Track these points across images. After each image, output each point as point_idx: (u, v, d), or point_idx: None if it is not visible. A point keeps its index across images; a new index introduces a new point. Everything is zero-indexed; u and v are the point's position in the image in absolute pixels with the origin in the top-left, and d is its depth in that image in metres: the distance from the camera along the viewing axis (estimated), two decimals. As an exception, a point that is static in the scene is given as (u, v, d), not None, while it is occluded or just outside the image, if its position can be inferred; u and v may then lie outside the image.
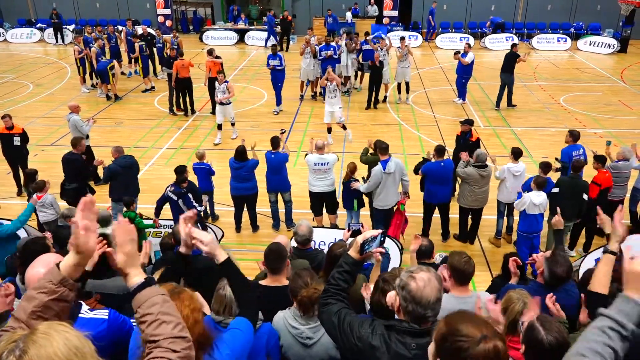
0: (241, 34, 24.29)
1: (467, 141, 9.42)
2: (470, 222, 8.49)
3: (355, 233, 5.04)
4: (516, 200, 7.56)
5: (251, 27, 24.72)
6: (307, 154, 8.36)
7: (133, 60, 17.69)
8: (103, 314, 2.51)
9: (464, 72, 14.82)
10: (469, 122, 9.69)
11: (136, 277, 1.83)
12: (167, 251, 5.10)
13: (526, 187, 7.66)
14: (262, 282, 4.01)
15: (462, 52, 14.68)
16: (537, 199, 7.23)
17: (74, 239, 1.80)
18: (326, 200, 8.46)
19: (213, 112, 14.21)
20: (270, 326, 3.33)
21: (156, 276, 3.43)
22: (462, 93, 15.23)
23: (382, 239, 2.65)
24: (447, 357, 1.73)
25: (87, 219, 1.80)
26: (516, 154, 8.16)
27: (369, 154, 8.34)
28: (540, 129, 13.35)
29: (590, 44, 22.44)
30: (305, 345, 3.33)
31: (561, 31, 23.58)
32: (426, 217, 8.47)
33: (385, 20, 24.40)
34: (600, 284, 2.63)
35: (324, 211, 8.58)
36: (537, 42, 22.90)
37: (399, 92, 15.52)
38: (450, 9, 24.59)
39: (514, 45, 15.02)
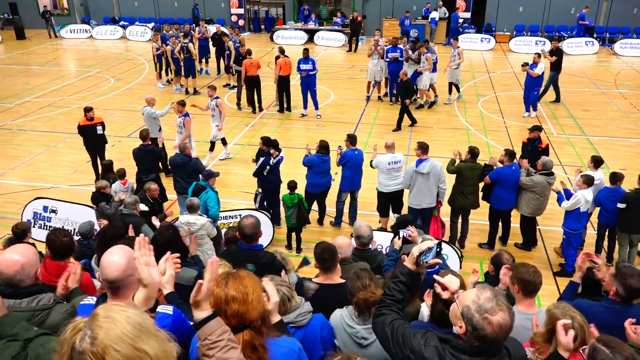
0: (311, 33, 24.55)
1: (535, 148, 9.09)
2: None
3: (407, 240, 5.00)
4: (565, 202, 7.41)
5: (321, 27, 24.93)
6: (371, 161, 8.41)
7: (205, 59, 18.38)
8: (168, 309, 2.62)
9: (535, 84, 13.87)
10: (538, 129, 9.40)
11: (205, 310, 2.06)
12: (231, 244, 5.25)
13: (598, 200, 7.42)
14: (315, 280, 4.08)
15: (530, 63, 13.69)
16: (589, 196, 7.33)
17: (139, 274, 2.10)
18: (395, 200, 8.48)
19: (281, 110, 14.53)
20: (323, 317, 3.39)
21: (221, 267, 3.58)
22: (534, 105, 14.15)
23: (439, 249, 2.62)
24: None
25: (144, 255, 2.09)
26: (597, 162, 7.88)
27: (455, 164, 8.13)
28: (619, 139, 12.62)
29: (679, 50, 20.96)
30: (361, 345, 3.35)
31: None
32: (493, 225, 8.26)
33: (459, 22, 23.89)
34: None
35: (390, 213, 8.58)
36: (620, 47, 21.64)
37: (450, 92, 15.38)
38: (527, 10, 23.65)
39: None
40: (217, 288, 2.29)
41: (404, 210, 8.50)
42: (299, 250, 8.39)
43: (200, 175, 8.00)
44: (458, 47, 14.76)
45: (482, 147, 11.71)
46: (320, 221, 8.97)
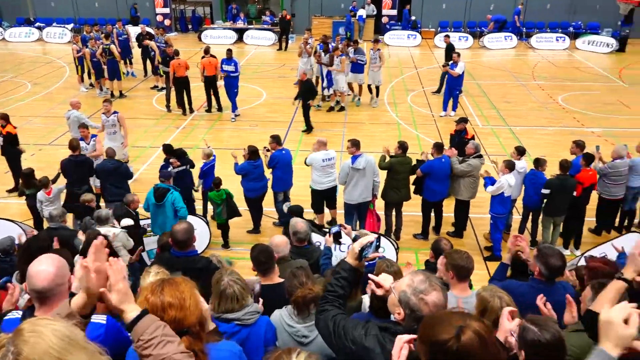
0: (240, 33, 24.27)
1: (462, 139, 9.49)
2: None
3: (337, 236, 5.06)
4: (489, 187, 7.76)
5: (250, 26, 24.70)
6: (305, 159, 8.44)
7: (128, 60, 17.75)
8: (101, 318, 2.51)
9: (455, 84, 13.91)
10: (464, 121, 9.90)
11: (132, 311, 1.95)
12: (164, 252, 5.08)
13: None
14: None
15: (451, 62, 13.81)
16: (512, 181, 7.67)
17: (85, 282, 1.96)
18: (329, 196, 8.56)
19: (209, 110, 14.28)
20: (268, 319, 3.40)
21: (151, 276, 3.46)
22: (454, 105, 14.16)
23: (378, 243, 2.67)
24: None
25: (98, 260, 1.96)
26: (520, 151, 8.27)
27: (386, 160, 8.30)
28: (539, 128, 13.36)
29: (588, 43, 22.44)
30: (302, 343, 3.34)
31: (560, 30, 23.57)
32: (426, 216, 8.53)
33: (384, 19, 24.41)
34: (601, 307, 2.56)
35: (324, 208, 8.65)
36: (536, 41, 22.91)
37: (377, 95, 15.05)
38: (450, 7, 24.55)
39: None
40: (153, 296, 2.23)
41: (339, 206, 8.60)
42: (227, 245, 8.40)
43: (160, 178, 7.66)
44: (378, 49, 14.45)
45: (413, 140, 12.06)
46: (256, 228, 8.80)
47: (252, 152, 8.35)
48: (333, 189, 8.50)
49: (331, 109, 14.53)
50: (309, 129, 12.90)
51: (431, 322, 1.74)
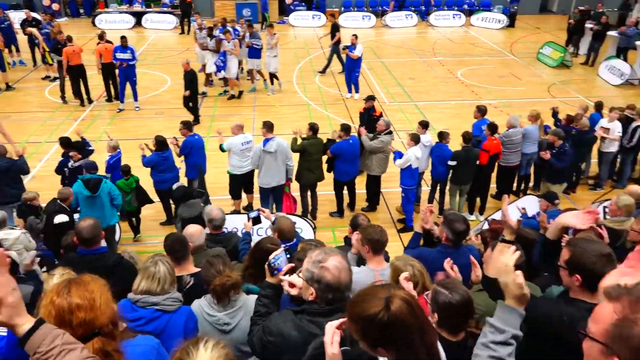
0: (138, 17, 23.07)
1: (371, 117, 9.74)
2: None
3: (256, 220, 5.03)
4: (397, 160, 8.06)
5: (148, 10, 23.54)
6: (221, 145, 8.27)
7: (14, 48, 16.34)
8: (2, 330, 2.33)
9: (354, 66, 13.79)
10: (372, 98, 10.14)
11: (25, 324, 1.77)
12: (69, 252, 4.76)
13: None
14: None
15: (349, 45, 13.59)
16: (418, 153, 8.00)
17: None
18: (247, 181, 8.50)
19: (109, 100, 13.54)
20: (190, 309, 3.33)
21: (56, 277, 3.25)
22: (356, 87, 14.13)
23: (288, 254, 2.74)
24: (373, 336, 1.72)
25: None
26: (424, 125, 8.57)
27: (298, 143, 8.30)
28: (441, 102, 13.99)
29: (482, 20, 23.69)
30: (224, 331, 3.31)
31: (456, 8, 24.67)
32: (339, 195, 8.68)
33: (288, 0, 24.24)
34: (492, 270, 2.73)
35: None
36: (435, 19, 23.82)
37: (272, 82, 14.47)
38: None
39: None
40: (59, 298, 2.08)
41: (255, 190, 8.55)
42: (138, 231, 8.19)
43: (84, 170, 7.12)
44: (274, 34, 13.98)
45: (324, 120, 12.18)
46: (169, 220, 8.47)
47: (160, 143, 8.04)
48: (252, 173, 8.44)
49: (232, 96, 13.95)
50: (195, 120, 12.06)
51: (358, 300, 1.76)
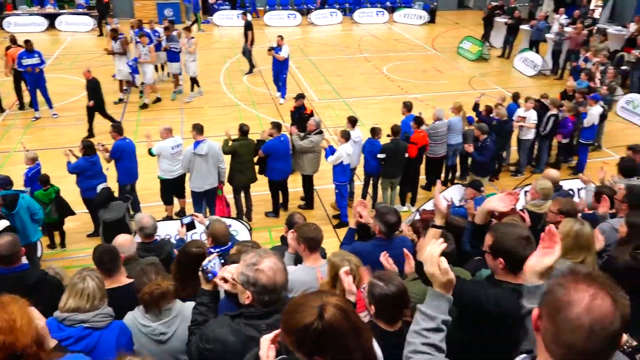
0: (51, 18, 21.85)
1: (302, 115, 9.77)
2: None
3: (190, 226, 4.92)
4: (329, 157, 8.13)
5: (62, 11, 22.34)
6: (150, 150, 8.02)
7: None
8: None
9: (282, 68, 13.47)
10: (301, 97, 10.16)
11: None
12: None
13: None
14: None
15: (275, 46, 13.32)
16: (349, 150, 8.12)
17: None
18: (179, 185, 8.29)
19: (22, 108, 12.77)
20: (122, 323, 3.21)
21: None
22: (282, 90, 13.74)
23: (222, 259, 2.73)
24: (309, 346, 1.69)
25: None
26: (353, 121, 8.69)
27: (229, 144, 8.18)
28: (369, 98, 14.26)
29: (404, 16, 24.36)
30: (160, 341, 3.22)
31: (379, 5, 25.21)
32: (274, 195, 8.65)
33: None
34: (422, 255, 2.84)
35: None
36: (359, 16, 24.21)
37: (192, 88, 13.92)
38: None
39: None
40: None
41: (187, 195, 8.36)
42: (63, 245, 7.86)
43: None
44: (192, 37, 13.43)
45: (254, 120, 12.09)
46: (97, 231, 8.09)
47: (88, 147, 7.68)
48: (183, 177, 8.23)
49: (144, 105, 13.17)
50: (91, 131, 11.29)
51: (291, 310, 1.73)
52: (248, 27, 15.42)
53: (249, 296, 2.32)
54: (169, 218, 8.06)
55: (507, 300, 2.51)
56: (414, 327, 1.88)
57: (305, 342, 1.65)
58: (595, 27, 17.40)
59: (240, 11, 23.24)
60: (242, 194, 8.49)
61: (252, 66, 15.99)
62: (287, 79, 13.88)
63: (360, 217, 4.50)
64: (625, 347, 2.20)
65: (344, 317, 1.65)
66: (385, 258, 3.70)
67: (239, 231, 7.20)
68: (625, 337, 2.20)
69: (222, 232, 4.61)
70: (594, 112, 9.99)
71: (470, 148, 8.56)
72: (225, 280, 2.54)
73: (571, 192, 7.94)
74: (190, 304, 2.97)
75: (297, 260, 4.23)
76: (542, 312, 1.48)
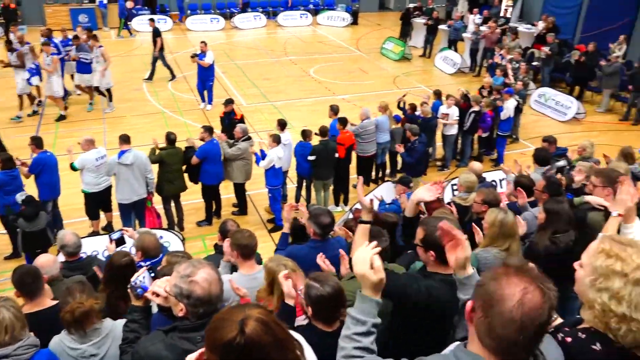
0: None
1: (232, 120, 9.64)
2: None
3: (119, 242, 4.73)
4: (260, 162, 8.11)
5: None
6: (71, 164, 7.62)
7: None
8: None
9: (207, 74, 13.10)
10: (230, 102, 10.04)
11: None
12: None
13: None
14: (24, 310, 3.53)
15: (199, 52, 12.93)
16: (280, 153, 8.11)
17: None
18: (105, 198, 7.95)
19: None
20: (49, 352, 3.02)
21: None
22: (209, 97, 13.39)
23: (152, 272, 2.62)
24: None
25: None
26: (282, 124, 8.68)
27: (156, 153, 7.91)
28: (297, 101, 14.30)
29: (328, 19, 24.66)
30: (93, 364, 3.05)
31: (302, 8, 25.36)
32: (208, 201, 8.49)
33: (129, 4, 22.98)
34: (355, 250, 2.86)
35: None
36: (283, 19, 24.25)
37: (110, 99, 13.17)
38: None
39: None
40: None
41: (114, 208, 8.03)
42: None
43: None
44: (100, 46, 12.58)
45: (181, 127, 11.81)
46: (15, 252, 7.54)
47: (7, 160, 7.20)
48: (109, 190, 7.89)
49: (61, 117, 12.42)
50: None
51: (213, 327, 1.69)
52: (156, 34, 14.90)
53: (182, 308, 2.25)
54: (95, 233, 7.70)
55: (439, 291, 2.59)
56: (345, 332, 1.88)
57: (229, 358, 1.61)
58: (508, 26, 18.38)
59: (162, 16, 22.69)
60: (173, 204, 8.26)
61: (151, 75, 15.38)
62: (214, 83, 13.58)
63: (301, 217, 4.50)
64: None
65: (266, 330, 1.62)
66: (322, 259, 3.71)
67: (171, 242, 6.99)
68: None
69: (152, 245, 4.45)
70: (509, 105, 10.56)
71: (400, 148, 8.77)
72: (157, 295, 2.45)
73: (494, 183, 8.34)
74: (122, 322, 2.84)
75: (234, 268, 4.16)
76: (475, 305, 1.54)
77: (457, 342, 1.74)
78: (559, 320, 2.29)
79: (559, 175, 6.16)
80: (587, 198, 4.64)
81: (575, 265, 2.04)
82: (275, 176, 8.19)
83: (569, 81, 14.93)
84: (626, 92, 13.55)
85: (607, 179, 4.31)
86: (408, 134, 8.88)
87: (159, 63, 15.19)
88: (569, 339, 1.94)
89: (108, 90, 13.03)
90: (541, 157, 6.83)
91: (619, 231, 3.18)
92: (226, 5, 24.60)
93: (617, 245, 1.89)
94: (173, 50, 19.18)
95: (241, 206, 8.87)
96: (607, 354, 1.86)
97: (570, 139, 11.10)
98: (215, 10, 24.38)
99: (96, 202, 7.91)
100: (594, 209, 4.46)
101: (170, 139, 7.95)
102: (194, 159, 8.01)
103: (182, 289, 2.23)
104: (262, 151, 8.25)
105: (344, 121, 8.78)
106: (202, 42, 13.18)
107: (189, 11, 23.68)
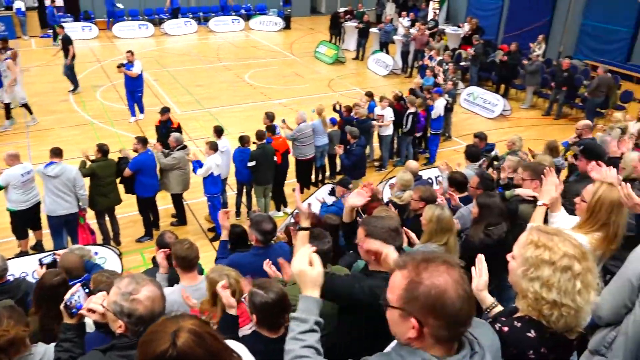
0: None
1: (169, 129, 9.39)
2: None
3: (51, 266, 4.49)
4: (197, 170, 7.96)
5: None
6: None
7: None
8: None
9: (136, 85, 12.51)
10: (166, 110, 9.82)
11: None
12: None
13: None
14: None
15: (126, 62, 12.27)
16: (218, 161, 7.99)
17: None
18: (32, 215, 7.48)
19: None
20: None
21: None
22: (140, 108, 12.88)
23: (86, 289, 2.51)
24: None
25: None
26: (218, 131, 8.57)
27: (87, 166, 7.55)
28: (233, 107, 14.14)
29: (260, 23, 24.56)
30: (25, 393, 2.87)
31: (233, 13, 25.12)
32: (145, 214, 8.22)
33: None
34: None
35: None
36: (214, 24, 23.91)
37: (30, 112, 12.36)
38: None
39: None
40: None
41: (44, 225, 7.62)
42: None
43: None
44: (5, 59, 11.55)
45: (113, 138, 11.38)
46: None
47: None
48: (38, 206, 7.46)
49: None
50: None
51: (147, 339, 1.65)
52: (67, 41, 14.20)
53: (121, 325, 2.16)
54: (24, 253, 7.27)
55: (382, 289, 2.62)
56: (290, 335, 1.89)
57: None
58: (437, 29, 19.04)
59: (87, 23, 21.81)
60: (107, 218, 7.94)
61: (75, 85, 14.73)
62: (143, 93, 12.99)
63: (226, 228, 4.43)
64: (487, 311, 2.41)
65: (198, 342, 1.60)
66: (268, 265, 3.69)
67: (107, 258, 6.73)
68: (489, 300, 2.42)
69: (74, 265, 4.26)
70: (439, 104, 10.92)
71: (340, 150, 8.85)
72: (93, 311, 2.34)
73: (430, 181, 8.59)
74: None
75: (173, 279, 4.05)
76: (419, 318, 1.57)
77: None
78: (499, 308, 2.39)
79: (490, 170, 6.43)
80: (517, 191, 4.89)
81: (508, 257, 2.13)
82: (213, 184, 8.05)
83: (495, 80, 15.65)
84: (547, 89, 14.37)
85: (534, 172, 4.54)
86: (348, 137, 8.99)
87: (61, 71, 14.45)
88: (505, 329, 2.02)
89: (24, 105, 12.17)
90: (472, 153, 7.11)
91: (546, 220, 3.36)
92: (154, 11, 23.97)
93: (545, 236, 1.99)
94: (100, 59, 18.51)
95: (180, 216, 8.66)
96: (541, 340, 1.96)
97: (499, 135, 11.63)
98: (144, 17, 23.70)
99: (23, 220, 7.46)
100: (525, 201, 4.69)
101: (103, 150, 7.62)
102: (127, 171, 7.72)
103: (122, 307, 2.15)
104: (198, 161, 8.07)
105: (272, 128, 8.77)
106: (128, 51, 12.59)
107: (112, 19, 22.78)
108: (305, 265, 1.91)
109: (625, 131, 7.72)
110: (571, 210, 3.49)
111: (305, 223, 2.80)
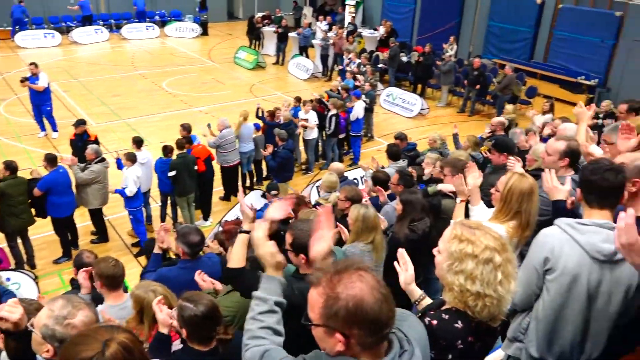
0: None
1: (86, 142, 8.88)
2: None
3: None
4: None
5: None
6: None
7: None
8: None
9: (43, 99, 11.61)
10: (82, 123, 9.28)
11: None
12: None
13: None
14: None
15: (30, 76, 11.30)
16: (138, 172, 7.74)
17: None
18: None
19: None
20: None
21: None
22: (53, 124, 12.00)
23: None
24: None
25: None
26: (137, 142, 8.25)
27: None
28: (151, 116, 13.69)
29: (176, 30, 23.91)
30: None
31: (148, 20, 24.31)
32: (62, 235, 7.76)
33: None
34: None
35: None
36: (127, 32, 23.03)
37: None
38: (25, 3, 21.97)
39: None
40: None
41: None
42: None
43: None
44: None
45: (22, 155, 10.69)
46: None
47: None
48: None
49: None
50: None
51: (76, 341, 1.57)
52: None
53: (49, 350, 2.02)
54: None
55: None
56: (250, 314, 1.90)
57: None
58: (357, 32, 19.42)
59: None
60: (19, 240, 7.41)
61: None
62: (52, 107, 12.07)
63: (162, 242, 4.28)
64: (416, 303, 2.48)
65: (127, 357, 1.54)
66: (200, 277, 3.59)
67: (22, 283, 6.28)
68: (417, 293, 2.49)
69: None
70: (357, 106, 11.14)
71: (266, 152, 8.80)
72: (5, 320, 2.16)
73: (355, 181, 8.75)
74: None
75: (96, 299, 3.84)
76: (343, 331, 1.58)
77: None
78: (428, 300, 2.46)
79: (410, 168, 6.64)
80: (439, 186, 5.08)
81: (434, 251, 2.20)
82: (134, 197, 7.74)
83: (412, 80, 16.21)
84: (461, 87, 15.09)
85: (454, 167, 4.74)
86: (277, 139, 8.95)
87: None
88: (434, 322, 2.08)
89: None
90: (392, 152, 7.33)
91: (467, 215, 3.51)
92: (61, 19, 22.70)
93: (467, 230, 2.08)
94: (2, 71, 17.27)
95: (101, 233, 8.25)
96: (467, 330, 2.04)
97: (419, 133, 12.05)
98: (49, 25, 22.38)
99: None
100: (447, 196, 4.89)
101: (12, 167, 7.08)
102: (36, 191, 7.19)
103: (55, 331, 2.02)
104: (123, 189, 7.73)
105: (188, 139, 8.58)
106: (31, 63, 11.56)
107: (17, 27, 21.34)
108: (264, 250, 2.04)
109: (513, 123, 8.62)
110: (488, 202, 3.67)
111: (248, 226, 2.75)
